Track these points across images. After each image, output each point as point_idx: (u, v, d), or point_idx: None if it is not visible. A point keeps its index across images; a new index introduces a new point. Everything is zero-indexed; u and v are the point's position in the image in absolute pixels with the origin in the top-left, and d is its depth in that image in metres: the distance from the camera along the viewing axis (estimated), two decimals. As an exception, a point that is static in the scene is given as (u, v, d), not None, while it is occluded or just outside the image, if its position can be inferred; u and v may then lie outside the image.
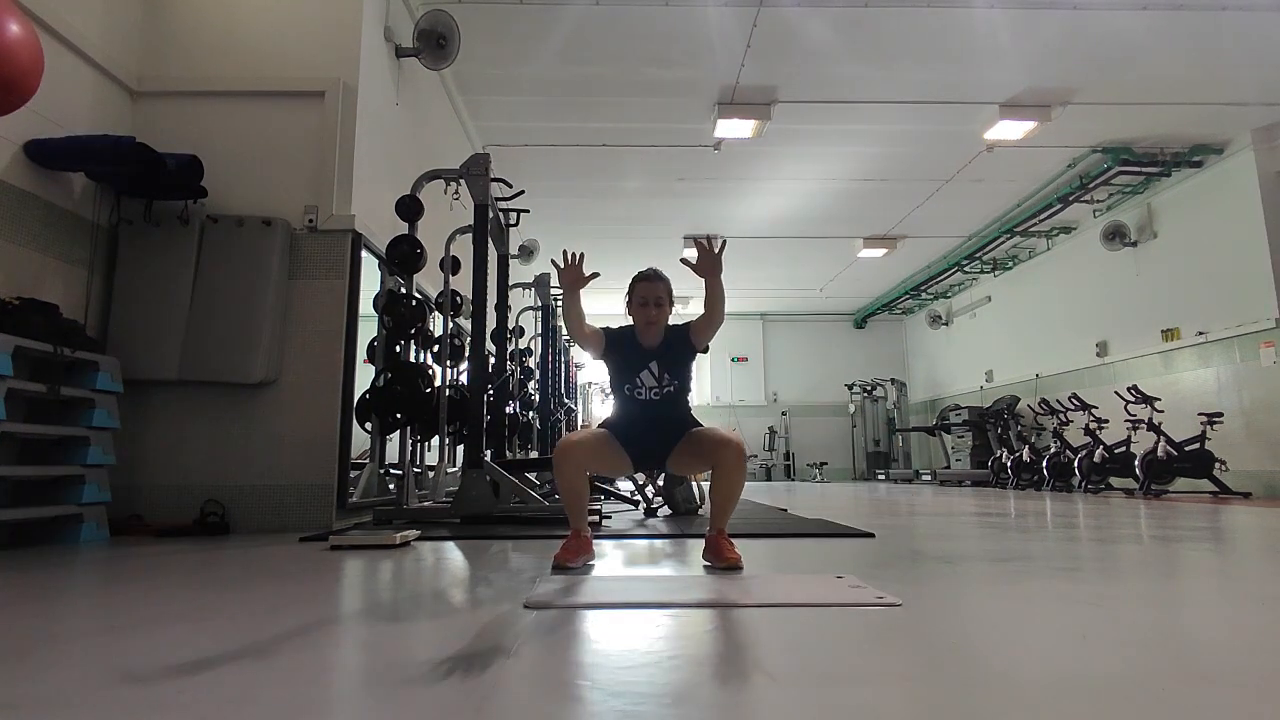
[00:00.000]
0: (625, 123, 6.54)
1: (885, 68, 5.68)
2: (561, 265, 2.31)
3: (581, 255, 2.33)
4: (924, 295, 12.53)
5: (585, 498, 2.28)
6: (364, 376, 3.92)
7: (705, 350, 2.43)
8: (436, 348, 4.60)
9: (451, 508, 3.60)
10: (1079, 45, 5.37)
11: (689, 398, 2.41)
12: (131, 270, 3.47)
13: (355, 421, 3.79)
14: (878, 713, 0.92)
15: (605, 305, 8.45)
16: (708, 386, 14.45)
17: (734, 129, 6.48)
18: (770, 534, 3.09)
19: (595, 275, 2.34)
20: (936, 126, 6.62)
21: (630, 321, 2.40)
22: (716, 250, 2.28)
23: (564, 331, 8.66)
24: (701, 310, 2.33)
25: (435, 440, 4.75)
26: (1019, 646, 1.27)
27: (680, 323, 2.39)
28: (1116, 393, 7.46)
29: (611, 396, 2.44)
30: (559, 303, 7.61)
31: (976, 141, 6.87)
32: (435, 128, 5.49)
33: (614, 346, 2.37)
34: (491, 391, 4.53)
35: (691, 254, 2.21)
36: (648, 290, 2.34)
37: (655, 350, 2.34)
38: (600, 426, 2.40)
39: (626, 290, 2.39)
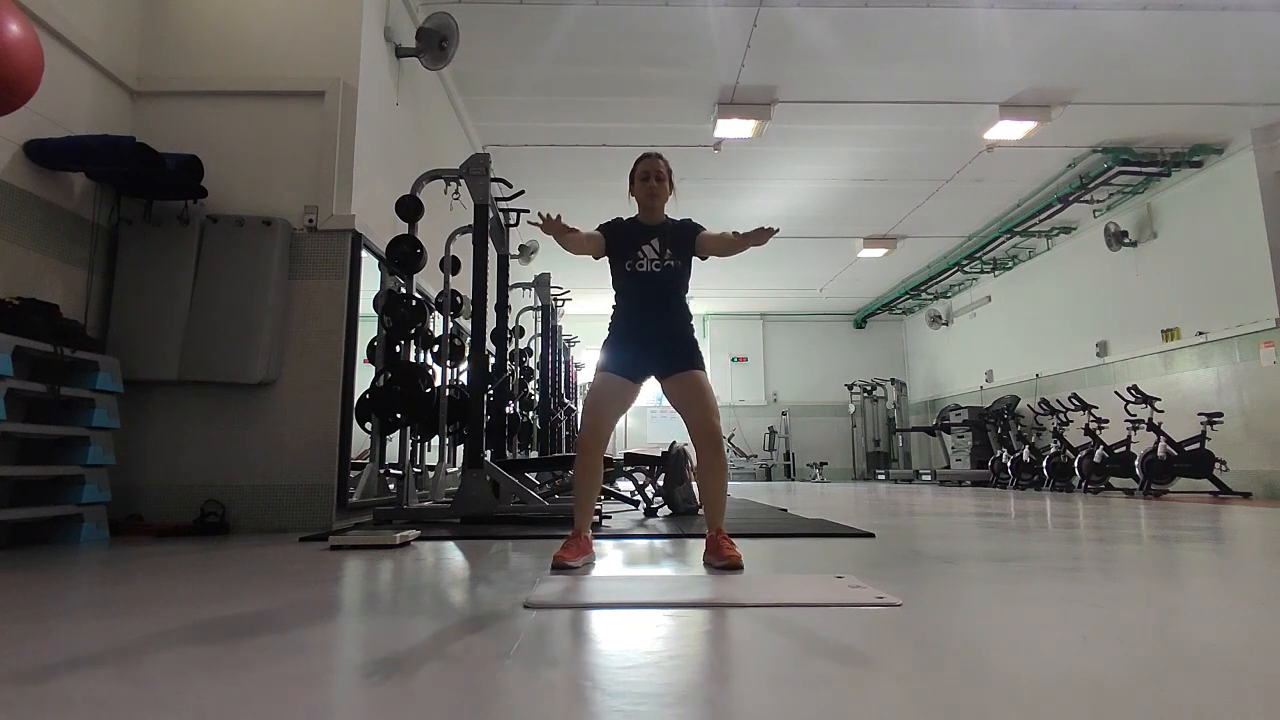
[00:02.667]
0: (625, 123, 6.54)
1: (885, 68, 5.68)
2: (539, 222, 2.34)
3: (558, 216, 2.34)
4: (924, 295, 12.53)
5: (598, 489, 2.36)
6: (364, 376, 3.92)
7: (703, 258, 2.47)
8: (436, 348, 4.60)
9: (451, 508, 3.60)
10: (1079, 45, 5.37)
11: (687, 295, 2.46)
12: (131, 270, 3.47)
13: (355, 421, 3.79)
14: (878, 713, 0.92)
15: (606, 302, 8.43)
16: (708, 386, 14.41)
17: (734, 129, 6.47)
18: (770, 534, 3.09)
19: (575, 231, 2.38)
20: (936, 126, 6.62)
21: (633, 216, 2.49)
22: (768, 239, 2.38)
23: (565, 331, 8.67)
24: (714, 249, 2.42)
25: (435, 440, 4.75)
26: (1019, 647, 1.26)
27: (685, 218, 2.51)
28: (1116, 393, 7.46)
29: (615, 294, 2.46)
30: (559, 303, 7.62)
31: (976, 141, 6.87)
32: (435, 128, 5.48)
33: (615, 232, 2.44)
34: (491, 391, 4.53)
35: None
36: (649, 165, 2.48)
37: (656, 228, 2.44)
38: (600, 368, 2.39)
39: (629, 174, 2.51)
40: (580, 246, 2.39)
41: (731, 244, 2.39)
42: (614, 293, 2.48)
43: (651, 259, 2.39)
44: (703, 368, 2.39)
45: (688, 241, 2.45)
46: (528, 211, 4.81)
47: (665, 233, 2.44)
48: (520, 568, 2.21)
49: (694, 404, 2.32)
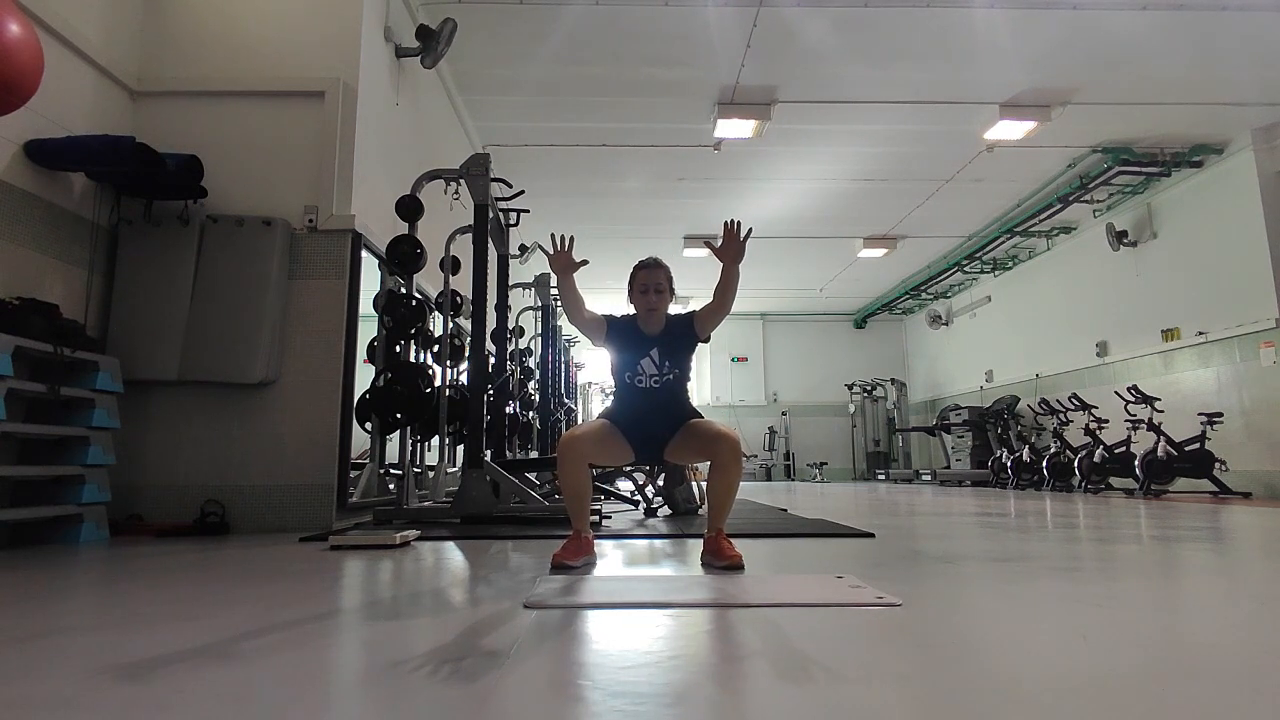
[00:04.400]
0: (625, 123, 6.54)
1: (885, 68, 5.68)
2: (550, 251, 2.36)
3: (571, 239, 2.37)
4: (924, 295, 12.53)
5: (588, 496, 2.31)
6: (364, 376, 3.92)
7: (706, 340, 2.46)
8: (436, 348, 4.60)
9: (451, 508, 3.60)
10: (1079, 45, 5.37)
11: (688, 387, 2.46)
12: (131, 270, 3.47)
13: (355, 421, 3.79)
14: (877, 713, 0.92)
15: (607, 304, 8.44)
16: (708, 386, 14.44)
17: (734, 129, 6.47)
18: (770, 534, 3.09)
19: (584, 262, 2.37)
20: (936, 126, 6.62)
21: (632, 311, 2.45)
22: (741, 236, 2.32)
23: (565, 331, 8.67)
24: (708, 300, 2.38)
25: (435, 440, 4.75)
26: (1019, 647, 1.26)
27: (683, 311, 2.47)
28: (1116, 393, 7.46)
29: (613, 385, 2.47)
30: (559, 302, 7.62)
31: (976, 141, 6.87)
32: (435, 128, 5.48)
33: (615, 334, 2.42)
34: (491, 391, 4.52)
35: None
36: (649, 277, 2.40)
37: (656, 338, 2.40)
38: (600, 418, 2.43)
39: (628, 280, 2.45)
40: (579, 313, 2.37)
41: (722, 283, 2.36)
42: (613, 384, 2.48)
43: (651, 374, 2.37)
44: (700, 417, 2.40)
45: (688, 338, 2.42)
46: (528, 211, 4.83)
47: (664, 342, 2.39)
48: (520, 568, 2.21)
49: (701, 429, 2.31)
